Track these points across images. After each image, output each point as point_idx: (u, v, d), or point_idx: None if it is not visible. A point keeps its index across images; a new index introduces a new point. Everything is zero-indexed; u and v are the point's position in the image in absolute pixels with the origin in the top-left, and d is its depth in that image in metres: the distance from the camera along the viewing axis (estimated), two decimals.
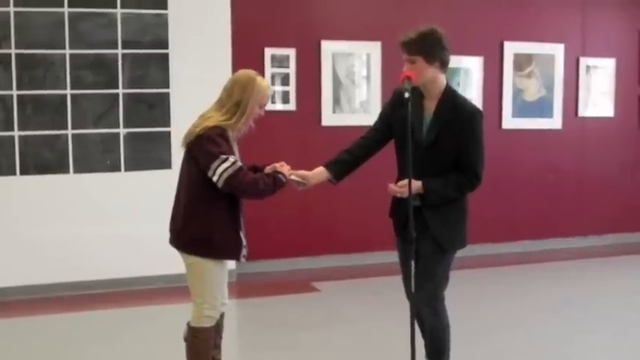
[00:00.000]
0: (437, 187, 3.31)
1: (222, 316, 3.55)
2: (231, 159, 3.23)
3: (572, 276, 6.52)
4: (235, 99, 3.33)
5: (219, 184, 3.23)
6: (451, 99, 3.36)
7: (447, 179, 3.32)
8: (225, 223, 3.35)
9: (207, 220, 3.31)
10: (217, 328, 3.52)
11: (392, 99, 3.53)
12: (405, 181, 3.17)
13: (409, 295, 3.40)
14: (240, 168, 3.25)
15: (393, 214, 3.55)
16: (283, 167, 3.45)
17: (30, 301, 5.65)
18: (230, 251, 3.41)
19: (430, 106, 3.37)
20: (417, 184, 3.24)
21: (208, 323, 3.41)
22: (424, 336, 3.55)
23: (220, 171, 3.21)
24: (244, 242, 3.44)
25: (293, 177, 3.47)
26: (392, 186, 3.34)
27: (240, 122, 3.34)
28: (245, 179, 3.24)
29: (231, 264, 3.74)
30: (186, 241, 3.37)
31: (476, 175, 3.36)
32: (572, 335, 4.77)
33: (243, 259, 3.48)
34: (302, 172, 3.51)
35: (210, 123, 3.29)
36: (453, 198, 3.37)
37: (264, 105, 3.44)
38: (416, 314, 3.38)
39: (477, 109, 3.40)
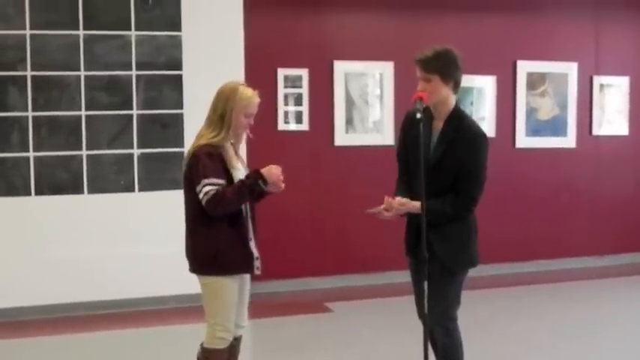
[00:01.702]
0: (431, 205, 3.20)
1: (238, 339, 3.53)
2: (207, 185, 3.23)
3: (587, 296, 6.45)
4: (219, 112, 3.36)
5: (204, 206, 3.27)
6: (457, 119, 3.37)
7: (444, 200, 3.29)
8: (230, 237, 3.33)
9: (210, 237, 3.33)
10: (232, 351, 3.49)
11: (403, 122, 3.56)
12: (402, 200, 3.23)
13: (421, 315, 3.38)
14: (215, 194, 3.23)
15: (405, 235, 3.53)
16: (271, 170, 3.37)
17: (44, 320, 5.66)
18: (239, 265, 3.38)
19: (438, 126, 3.38)
20: (414, 205, 3.24)
21: (221, 345, 3.39)
22: (437, 356, 3.52)
23: (201, 195, 3.26)
24: (255, 254, 3.41)
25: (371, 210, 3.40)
26: (389, 200, 3.32)
27: (228, 135, 3.35)
28: (219, 205, 3.24)
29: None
30: (196, 262, 3.38)
31: (471, 199, 3.33)
32: (588, 357, 4.71)
33: (257, 271, 3.43)
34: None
35: (202, 141, 3.33)
36: (450, 217, 3.32)
37: (251, 114, 3.41)
38: (429, 335, 3.37)
39: (482, 133, 3.39)
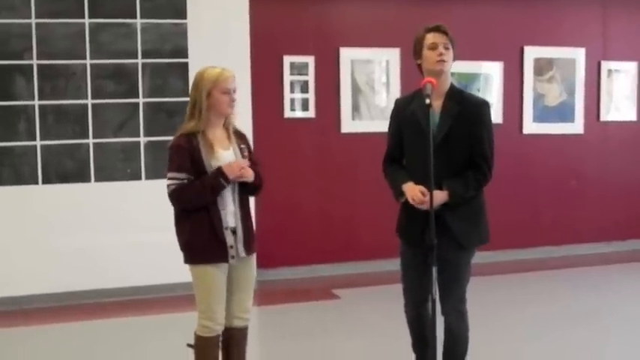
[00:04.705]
0: (460, 191, 3.27)
1: (240, 330, 3.49)
2: (169, 180, 3.31)
3: (595, 282, 6.44)
4: (193, 100, 3.36)
5: None
6: (458, 94, 3.39)
7: (465, 180, 3.29)
8: (203, 225, 3.31)
9: (185, 225, 3.35)
10: (229, 342, 3.48)
11: (393, 110, 3.55)
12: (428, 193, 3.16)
13: (417, 306, 3.42)
14: (174, 189, 3.29)
15: (406, 225, 3.44)
16: (231, 166, 3.29)
17: (51, 308, 5.69)
18: (211, 254, 3.32)
19: (436, 105, 3.31)
20: (442, 196, 3.22)
21: (205, 333, 3.39)
22: (425, 347, 3.50)
23: (166, 188, 3.34)
24: (229, 243, 3.33)
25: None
26: (418, 197, 3.24)
27: (205, 120, 3.33)
28: (178, 201, 3.31)
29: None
30: (180, 250, 3.41)
31: (489, 166, 3.35)
32: (597, 344, 4.71)
33: (232, 260, 3.35)
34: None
35: (177, 133, 3.40)
36: (475, 193, 3.34)
37: (227, 89, 3.33)
38: (412, 321, 3.48)
39: (484, 100, 3.48)
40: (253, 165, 3.44)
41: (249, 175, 3.34)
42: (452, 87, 3.40)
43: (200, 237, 3.32)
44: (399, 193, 3.38)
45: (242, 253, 3.37)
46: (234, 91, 3.36)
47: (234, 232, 3.36)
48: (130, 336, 5.05)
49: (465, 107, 3.32)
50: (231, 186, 3.34)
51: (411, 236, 3.41)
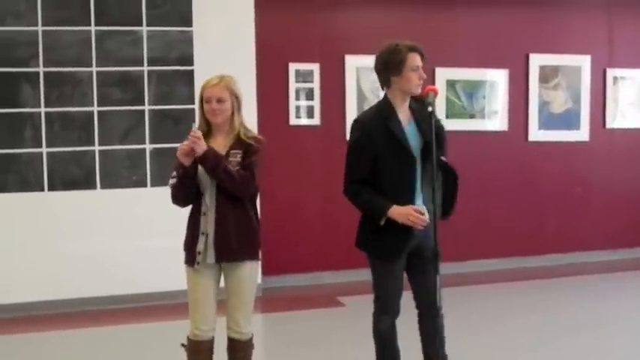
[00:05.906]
0: (449, 199, 3.34)
1: (240, 343, 3.45)
2: (171, 180, 3.40)
3: (601, 290, 6.42)
4: None
5: None
6: (419, 104, 3.36)
7: (445, 189, 3.33)
8: (189, 228, 3.41)
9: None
10: (229, 356, 3.48)
11: (361, 130, 3.43)
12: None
13: (392, 313, 3.49)
14: (171, 186, 3.40)
15: (387, 242, 3.41)
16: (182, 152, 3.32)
17: (57, 315, 5.70)
18: (187, 257, 3.41)
19: (404, 117, 3.34)
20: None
21: (191, 336, 3.46)
22: (431, 344, 3.50)
23: None
24: (198, 248, 3.33)
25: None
26: (420, 218, 3.21)
27: (200, 125, 3.45)
28: (171, 195, 3.42)
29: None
30: None
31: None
32: (603, 352, 4.69)
33: (197, 266, 3.35)
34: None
35: None
36: None
37: (208, 98, 3.37)
38: (387, 332, 3.54)
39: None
40: (243, 169, 3.34)
41: (197, 150, 3.28)
42: (410, 102, 3.39)
43: (186, 239, 3.42)
44: (381, 215, 3.32)
45: (209, 259, 3.34)
46: (218, 100, 3.35)
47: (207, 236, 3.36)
48: (137, 342, 5.05)
49: (431, 117, 3.24)
50: (211, 190, 3.34)
51: (393, 251, 3.40)
